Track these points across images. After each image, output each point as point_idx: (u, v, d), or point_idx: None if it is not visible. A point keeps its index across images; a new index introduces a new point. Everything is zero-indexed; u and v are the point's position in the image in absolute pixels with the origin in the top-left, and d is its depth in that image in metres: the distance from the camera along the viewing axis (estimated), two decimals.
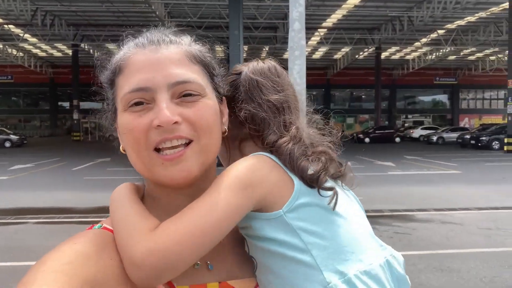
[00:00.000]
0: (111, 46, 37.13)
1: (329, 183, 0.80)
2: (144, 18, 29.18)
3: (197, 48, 0.82)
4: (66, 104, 47.82)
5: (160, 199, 0.81)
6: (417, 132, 39.51)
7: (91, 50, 36.76)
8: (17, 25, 30.33)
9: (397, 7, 27.28)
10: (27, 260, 6.01)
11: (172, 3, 24.80)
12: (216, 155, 0.83)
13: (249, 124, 0.88)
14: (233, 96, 0.90)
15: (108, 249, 0.73)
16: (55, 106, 48.54)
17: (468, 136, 30.07)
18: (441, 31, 32.62)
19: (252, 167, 0.77)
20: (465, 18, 29.48)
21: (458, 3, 23.25)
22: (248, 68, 0.93)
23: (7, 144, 30.52)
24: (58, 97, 48.73)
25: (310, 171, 0.79)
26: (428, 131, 38.23)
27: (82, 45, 34.69)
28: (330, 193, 0.78)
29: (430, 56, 40.55)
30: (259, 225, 0.77)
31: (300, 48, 5.55)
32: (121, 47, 0.81)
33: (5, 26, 30.46)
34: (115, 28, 31.33)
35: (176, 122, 0.72)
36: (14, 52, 38.53)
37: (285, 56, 42.98)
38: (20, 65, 41.04)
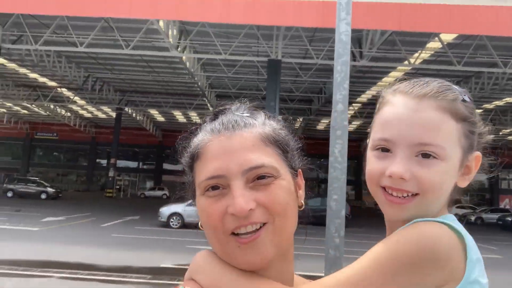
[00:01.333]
0: (153, 111, 39.04)
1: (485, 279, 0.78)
2: (187, 88, 30.78)
3: (271, 127, 0.83)
4: (104, 162, 49.57)
5: None
6: (452, 211, 37.67)
7: (133, 114, 38.69)
8: (69, 89, 32.65)
9: None
10: None
11: (213, 75, 26.17)
12: (292, 234, 0.82)
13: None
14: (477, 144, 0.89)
15: None
16: (93, 163, 50.37)
17: (510, 218, 28.52)
18: (479, 110, 32.21)
19: (431, 245, 0.73)
20: (504, 99, 29.28)
21: (496, 85, 23.27)
22: None
23: (43, 196, 31.57)
24: (97, 154, 50.72)
25: None
26: (464, 210, 36.58)
27: (126, 109, 36.63)
28: None
29: None
30: None
31: (342, 128, 5.66)
32: (199, 131, 0.84)
33: (58, 89, 32.84)
34: (159, 95, 33.14)
35: (250, 209, 0.73)
36: (63, 112, 41.10)
37: (318, 127, 43.52)
38: (66, 123, 43.51)
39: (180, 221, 17.45)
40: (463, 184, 0.87)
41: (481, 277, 0.76)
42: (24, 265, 9.14)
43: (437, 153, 0.79)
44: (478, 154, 0.88)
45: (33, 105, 37.43)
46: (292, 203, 0.80)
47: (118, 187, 42.36)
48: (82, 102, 36.17)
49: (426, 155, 0.79)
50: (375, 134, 0.85)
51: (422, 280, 0.72)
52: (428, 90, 0.82)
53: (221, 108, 0.87)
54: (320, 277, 0.83)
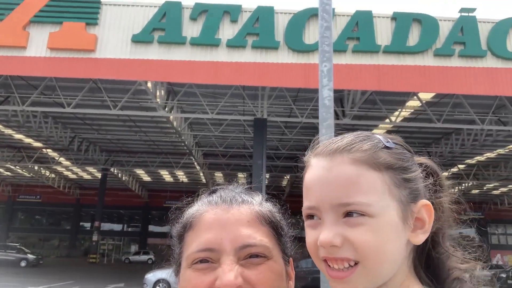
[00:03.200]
0: (139, 170, 38.76)
1: None
2: (174, 147, 30.90)
3: (267, 208, 0.83)
4: (88, 225, 48.16)
5: None
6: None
7: (119, 174, 38.28)
8: (54, 149, 32.45)
9: (414, 144, 28.18)
10: None
11: (200, 134, 26.43)
12: None
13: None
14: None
15: None
16: (76, 227, 48.86)
17: (504, 275, 28.04)
18: (461, 166, 32.96)
19: None
20: (484, 154, 29.95)
21: (475, 141, 23.90)
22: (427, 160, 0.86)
23: (23, 264, 30.17)
24: (81, 217, 49.38)
25: None
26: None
27: (112, 169, 36.30)
28: None
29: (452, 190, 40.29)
30: None
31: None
32: (195, 202, 0.84)
33: (44, 150, 32.62)
34: (145, 155, 33.11)
35: (239, 287, 0.71)
36: (47, 173, 40.50)
37: None
38: (49, 185, 42.71)
39: None
40: (417, 240, 0.74)
41: None
42: None
43: (363, 210, 0.70)
44: (425, 202, 0.76)
45: (17, 167, 36.87)
46: None
47: (102, 251, 40.86)
48: (67, 163, 35.80)
49: (351, 214, 0.71)
50: (304, 202, 0.77)
51: None
52: (340, 145, 0.75)
53: (218, 186, 0.88)
54: None
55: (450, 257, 0.79)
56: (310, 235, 0.74)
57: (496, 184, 36.98)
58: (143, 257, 41.48)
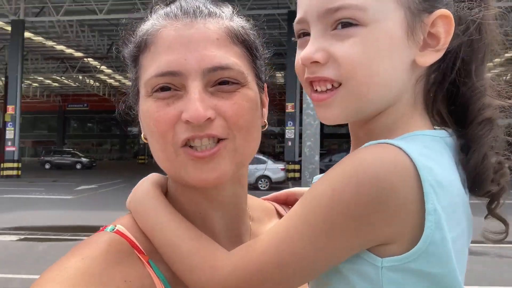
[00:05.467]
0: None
1: None
2: None
3: (239, 23, 0.68)
4: (135, 129, 50.46)
5: (184, 205, 0.70)
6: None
7: None
8: (95, 58, 33.06)
9: None
10: None
11: None
12: (254, 154, 0.68)
13: (451, 63, 0.59)
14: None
15: (122, 267, 0.60)
16: (125, 131, 51.66)
17: None
18: None
19: (369, 184, 0.50)
20: None
21: None
22: None
23: (78, 166, 32.83)
24: (128, 122, 51.87)
25: (492, 186, 0.58)
26: None
27: None
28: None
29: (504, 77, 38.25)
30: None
31: None
32: (149, 15, 0.68)
33: (85, 59, 33.32)
34: None
35: (209, 118, 0.60)
36: (91, 82, 41.86)
37: None
38: (95, 94, 44.46)
39: None
40: (425, 60, 0.57)
41: (450, 231, 0.53)
42: (56, 230, 9.58)
43: (355, 16, 0.55)
44: (444, 12, 0.56)
45: (63, 78, 38.23)
46: (257, 120, 0.67)
47: (150, 153, 43.41)
48: (108, 71, 36.64)
49: (342, 25, 0.55)
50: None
51: (365, 235, 0.53)
52: None
53: None
54: None
55: (486, 92, 0.60)
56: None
57: None
58: None
